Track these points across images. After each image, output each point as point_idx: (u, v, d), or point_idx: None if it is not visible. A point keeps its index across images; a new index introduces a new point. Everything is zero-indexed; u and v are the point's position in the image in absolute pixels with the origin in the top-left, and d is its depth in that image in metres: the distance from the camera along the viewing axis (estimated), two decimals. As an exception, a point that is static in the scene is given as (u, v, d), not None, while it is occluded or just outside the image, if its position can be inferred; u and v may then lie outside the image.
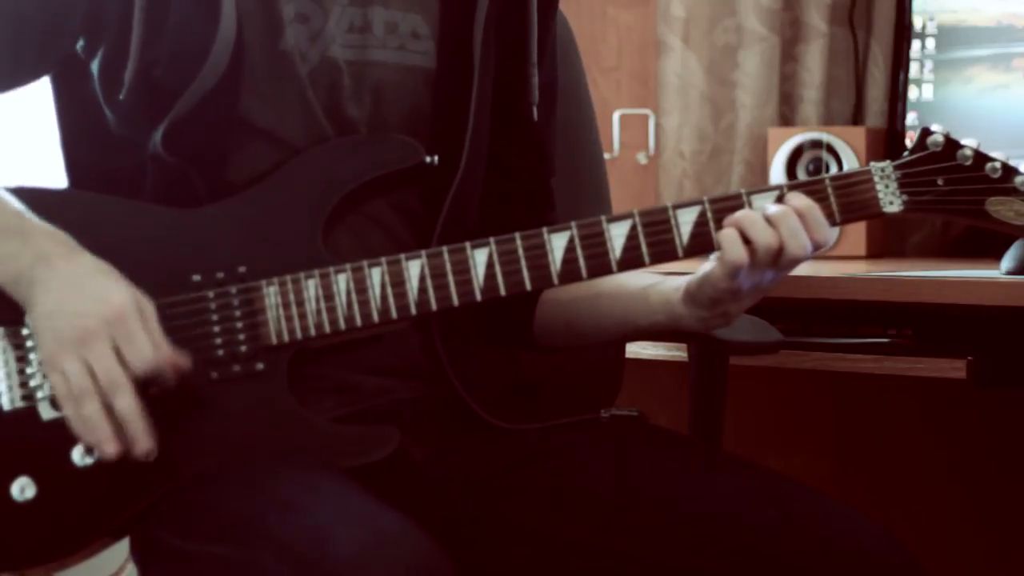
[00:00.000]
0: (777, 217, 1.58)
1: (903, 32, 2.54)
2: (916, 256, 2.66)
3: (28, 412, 1.58)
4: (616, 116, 2.89)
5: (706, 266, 1.61)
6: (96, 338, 1.52)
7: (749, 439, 2.70)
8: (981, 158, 1.62)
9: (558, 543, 1.63)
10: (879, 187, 1.62)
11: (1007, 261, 2.07)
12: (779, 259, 1.58)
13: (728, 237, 1.58)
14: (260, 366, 1.60)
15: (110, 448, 1.53)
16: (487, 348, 1.79)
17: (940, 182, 1.62)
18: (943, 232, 2.67)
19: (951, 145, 1.62)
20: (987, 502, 2.66)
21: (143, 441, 1.53)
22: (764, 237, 1.57)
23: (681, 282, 1.65)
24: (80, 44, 1.66)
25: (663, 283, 1.68)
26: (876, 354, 2.03)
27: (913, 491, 2.72)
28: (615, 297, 1.72)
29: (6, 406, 1.58)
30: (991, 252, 2.20)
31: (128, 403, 1.52)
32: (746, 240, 1.58)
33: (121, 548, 1.65)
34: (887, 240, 2.66)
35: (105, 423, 1.52)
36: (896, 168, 1.62)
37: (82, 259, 1.56)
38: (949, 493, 2.69)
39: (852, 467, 2.80)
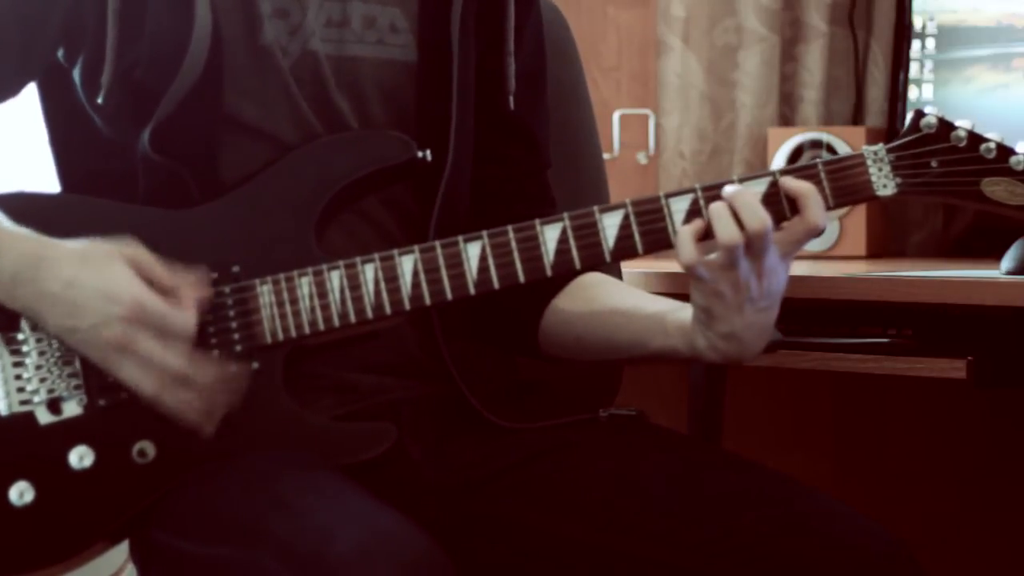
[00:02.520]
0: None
1: (903, 32, 2.54)
2: (916, 256, 2.66)
3: (26, 417, 1.58)
4: (616, 116, 2.89)
5: None
6: (133, 341, 1.53)
7: (749, 439, 2.70)
8: (975, 139, 1.60)
9: (557, 543, 1.63)
10: (872, 170, 1.60)
11: (1007, 261, 2.07)
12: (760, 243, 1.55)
13: (717, 211, 1.55)
14: (256, 365, 1.60)
15: (209, 428, 1.55)
16: (487, 347, 1.79)
17: (934, 164, 1.60)
18: (943, 232, 2.67)
19: (945, 126, 1.61)
20: (987, 502, 2.66)
21: (241, 385, 1.56)
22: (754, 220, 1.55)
23: None
24: (60, 52, 1.67)
25: (683, 309, 1.64)
26: (876, 354, 2.03)
27: (913, 491, 2.72)
28: (631, 316, 1.69)
29: (3, 411, 1.58)
30: (991, 252, 2.20)
31: (207, 374, 1.54)
32: (740, 225, 1.56)
33: (120, 549, 1.65)
34: (887, 240, 2.66)
35: (194, 408, 1.54)
36: (889, 151, 1.61)
37: (59, 261, 1.54)
38: (949, 493, 2.69)
39: (852, 467, 2.79)
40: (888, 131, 2.58)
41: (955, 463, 2.68)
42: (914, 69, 2.52)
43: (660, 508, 1.60)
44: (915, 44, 2.52)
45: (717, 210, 1.56)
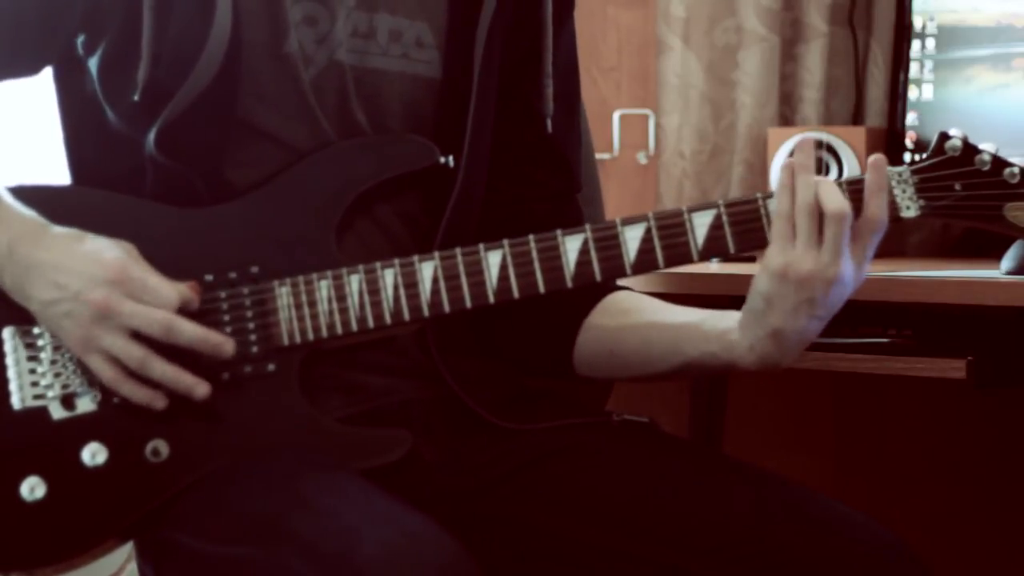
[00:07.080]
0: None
1: (903, 32, 2.54)
2: (916, 256, 2.66)
3: (39, 412, 1.58)
4: (616, 116, 2.89)
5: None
6: (116, 303, 1.53)
7: (749, 439, 2.70)
8: (999, 163, 1.60)
9: (570, 545, 1.62)
10: (896, 192, 1.60)
11: (1007, 261, 2.07)
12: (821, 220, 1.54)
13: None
14: (271, 367, 1.60)
15: (159, 404, 1.56)
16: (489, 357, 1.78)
17: (958, 187, 1.60)
18: (943, 232, 2.67)
19: (969, 150, 1.60)
20: (987, 502, 2.66)
21: (195, 387, 1.56)
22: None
23: (738, 313, 1.60)
24: (80, 39, 1.66)
25: (720, 315, 1.63)
26: (876, 354, 2.03)
27: (913, 491, 2.72)
28: (665, 327, 1.68)
29: (17, 405, 1.58)
30: (991, 252, 2.20)
31: (160, 369, 1.55)
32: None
33: (121, 548, 1.65)
34: (887, 240, 2.65)
35: (150, 393, 1.56)
36: (914, 173, 1.60)
37: (54, 236, 1.56)
38: (949, 493, 2.69)
39: (852, 467, 2.80)
40: (888, 131, 2.58)
41: (955, 463, 2.68)
42: (914, 69, 2.52)
43: (673, 512, 1.60)
44: (915, 44, 2.52)
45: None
